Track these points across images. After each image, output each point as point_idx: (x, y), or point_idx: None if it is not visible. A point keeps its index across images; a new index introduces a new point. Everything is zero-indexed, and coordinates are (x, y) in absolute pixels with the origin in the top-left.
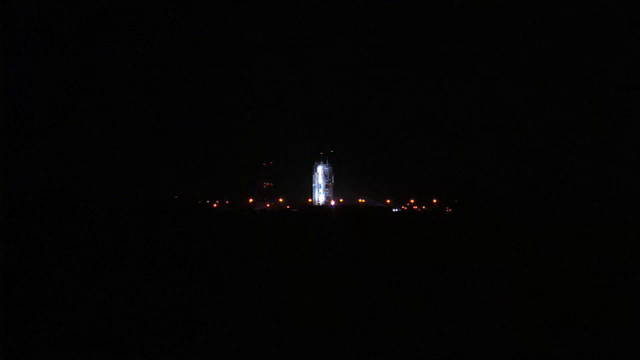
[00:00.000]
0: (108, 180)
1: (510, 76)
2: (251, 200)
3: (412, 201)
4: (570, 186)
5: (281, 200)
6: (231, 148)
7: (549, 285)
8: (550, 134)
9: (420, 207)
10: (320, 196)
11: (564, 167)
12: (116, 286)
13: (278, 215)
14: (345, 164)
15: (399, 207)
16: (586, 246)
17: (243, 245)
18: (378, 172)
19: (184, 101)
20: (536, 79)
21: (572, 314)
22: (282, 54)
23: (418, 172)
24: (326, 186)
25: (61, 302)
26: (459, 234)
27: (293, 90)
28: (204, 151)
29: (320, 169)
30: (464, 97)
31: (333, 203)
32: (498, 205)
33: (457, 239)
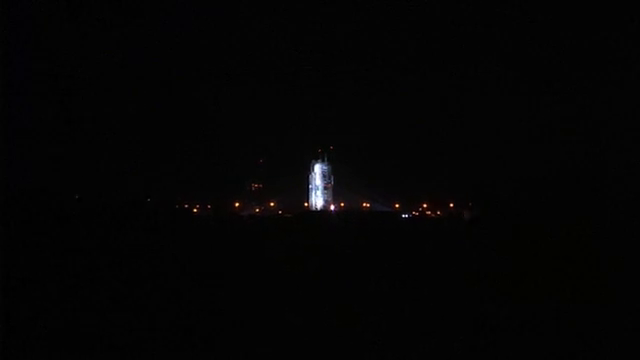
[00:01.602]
0: (70, 178)
1: (530, 68)
2: (237, 204)
3: (424, 205)
4: (593, 184)
5: (272, 204)
6: (215, 143)
7: None
8: (573, 129)
9: (434, 212)
10: (318, 199)
11: (585, 164)
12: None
13: (269, 222)
14: (347, 163)
15: (409, 212)
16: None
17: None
18: (384, 172)
19: (160, 88)
20: (556, 73)
21: None
22: (273, 30)
23: (431, 171)
24: (325, 188)
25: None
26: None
27: (286, 77)
28: (183, 146)
29: (318, 168)
30: (485, 84)
31: (333, 207)
32: (526, 211)
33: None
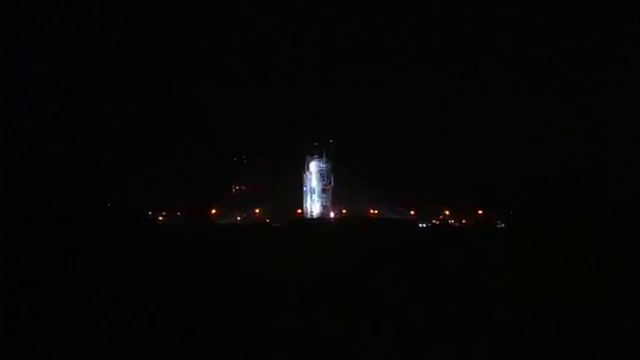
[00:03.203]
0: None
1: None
2: (214, 211)
3: (447, 213)
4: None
5: (258, 211)
6: (188, 137)
7: None
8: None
9: (458, 220)
10: (314, 205)
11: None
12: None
13: (250, 234)
14: (349, 160)
15: (428, 221)
16: None
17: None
18: (395, 171)
19: (125, 74)
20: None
21: None
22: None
23: (453, 171)
24: (323, 190)
25: None
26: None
27: (276, 55)
28: (151, 142)
29: (314, 167)
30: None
31: (333, 215)
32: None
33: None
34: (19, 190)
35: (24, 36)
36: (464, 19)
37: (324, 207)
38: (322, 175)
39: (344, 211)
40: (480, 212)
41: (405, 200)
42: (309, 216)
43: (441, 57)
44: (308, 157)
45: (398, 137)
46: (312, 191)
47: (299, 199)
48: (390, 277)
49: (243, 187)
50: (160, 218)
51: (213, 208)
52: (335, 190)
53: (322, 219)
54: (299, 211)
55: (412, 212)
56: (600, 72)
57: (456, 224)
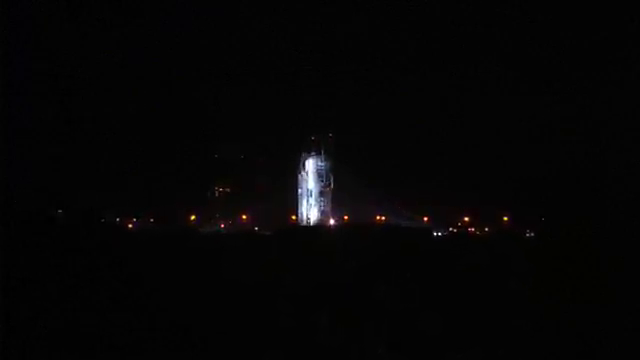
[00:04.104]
0: None
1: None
2: (194, 217)
3: (466, 220)
4: None
5: (245, 217)
6: (162, 130)
7: None
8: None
9: (479, 228)
10: (311, 210)
11: None
12: None
13: (233, 245)
14: (352, 157)
15: (445, 229)
16: None
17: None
18: (406, 171)
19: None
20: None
21: None
22: None
23: (473, 170)
24: (321, 193)
25: None
26: None
27: (270, 49)
28: (119, 137)
29: (311, 165)
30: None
31: (333, 222)
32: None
33: None
34: None
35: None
36: (464, 19)
37: (322, 212)
38: (320, 175)
39: (346, 217)
40: (505, 219)
41: (418, 205)
42: (304, 223)
43: (441, 57)
44: (304, 154)
45: (408, 131)
46: (308, 194)
47: (293, 203)
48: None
49: (227, 189)
50: (130, 225)
51: (192, 214)
52: (335, 193)
53: (320, 226)
54: (293, 217)
55: (426, 219)
56: (600, 72)
57: (477, 232)
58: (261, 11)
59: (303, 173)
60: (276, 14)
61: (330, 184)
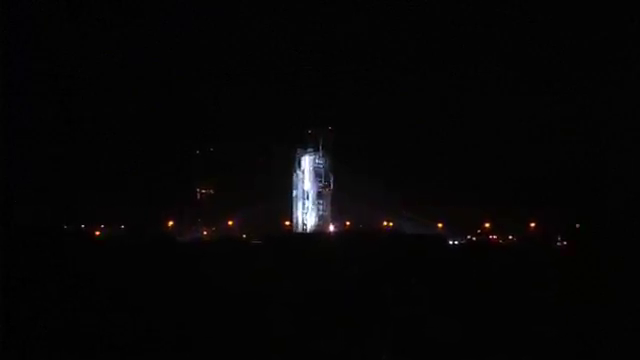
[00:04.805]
0: None
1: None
2: (171, 223)
3: (487, 226)
4: None
5: (231, 223)
6: (136, 125)
7: None
8: None
9: (502, 236)
10: (308, 215)
11: None
12: None
13: (216, 255)
14: (354, 153)
15: (462, 236)
16: None
17: None
18: (416, 170)
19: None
20: None
21: None
22: None
23: (494, 169)
24: (319, 195)
25: None
26: None
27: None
28: (87, 132)
29: (307, 163)
30: None
31: (333, 228)
32: None
33: None
34: None
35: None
36: (464, 19)
37: (321, 218)
38: (318, 175)
39: (347, 223)
40: (532, 225)
41: (430, 208)
42: (300, 229)
43: (441, 56)
44: (299, 150)
45: (418, 124)
46: (304, 196)
47: (287, 206)
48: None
49: (211, 190)
50: (97, 233)
51: (170, 219)
52: (335, 195)
53: (318, 234)
54: (287, 223)
55: (440, 225)
56: (600, 72)
57: (500, 241)
58: (255, 6)
59: (299, 172)
60: (272, 10)
61: (329, 185)
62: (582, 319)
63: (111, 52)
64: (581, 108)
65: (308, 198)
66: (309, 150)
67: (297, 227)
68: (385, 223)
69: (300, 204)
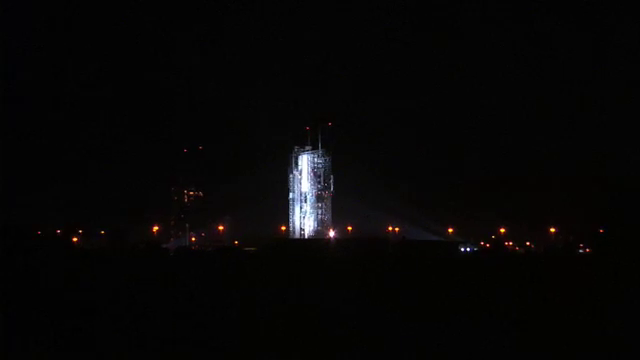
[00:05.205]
0: None
1: None
2: (157, 228)
3: (502, 231)
4: None
5: (222, 228)
6: (118, 120)
7: None
8: None
9: (518, 243)
10: (305, 219)
11: None
12: None
13: (201, 264)
14: (357, 152)
15: (475, 243)
16: None
17: None
18: (426, 169)
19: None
20: None
21: None
22: None
23: (511, 168)
24: (318, 198)
25: None
26: None
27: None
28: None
29: (305, 162)
30: None
31: (333, 234)
32: None
33: None
34: None
35: None
36: (464, 19)
37: (320, 222)
38: (317, 175)
39: (349, 228)
40: (552, 230)
41: (441, 212)
42: (297, 235)
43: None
44: (295, 147)
45: (429, 120)
46: (301, 199)
47: (283, 211)
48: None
49: (200, 193)
50: (74, 239)
51: (154, 224)
52: (337, 197)
53: (317, 240)
54: (283, 228)
55: (450, 230)
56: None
57: (517, 248)
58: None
59: (296, 173)
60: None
61: (330, 186)
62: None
63: (88, 43)
64: (601, 106)
65: (306, 201)
66: (307, 148)
67: (294, 232)
68: (390, 228)
69: (297, 208)
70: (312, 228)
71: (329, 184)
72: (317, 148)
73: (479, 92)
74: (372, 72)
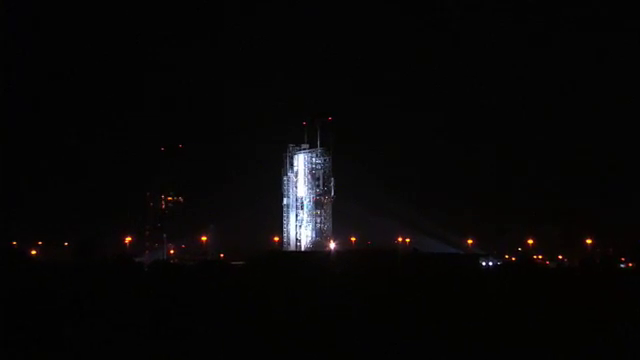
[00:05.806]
0: None
1: None
2: (130, 239)
3: (530, 242)
4: None
5: (205, 239)
6: (86, 119)
7: None
8: None
9: (551, 257)
10: (302, 229)
11: None
12: None
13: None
14: (361, 150)
15: (499, 256)
16: None
17: None
18: (440, 171)
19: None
20: None
21: None
22: None
23: (536, 172)
24: (317, 204)
25: None
26: None
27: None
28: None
29: (302, 163)
30: None
31: (333, 245)
32: None
33: None
34: None
35: None
36: (465, 19)
37: (319, 232)
38: (315, 177)
39: (353, 239)
40: (589, 241)
41: (458, 221)
42: (292, 247)
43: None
44: (291, 146)
45: (442, 116)
46: (297, 205)
47: (277, 219)
48: None
49: (180, 199)
50: (33, 252)
51: (127, 234)
52: (338, 203)
53: (315, 253)
54: (276, 239)
55: (470, 241)
56: None
57: (547, 262)
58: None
59: (291, 175)
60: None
61: (330, 190)
62: None
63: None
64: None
65: (302, 207)
66: (304, 147)
67: (288, 244)
68: (400, 239)
69: (292, 216)
70: (310, 239)
71: (329, 188)
72: (315, 146)
73: (498, 89)
74: (377, 69)
